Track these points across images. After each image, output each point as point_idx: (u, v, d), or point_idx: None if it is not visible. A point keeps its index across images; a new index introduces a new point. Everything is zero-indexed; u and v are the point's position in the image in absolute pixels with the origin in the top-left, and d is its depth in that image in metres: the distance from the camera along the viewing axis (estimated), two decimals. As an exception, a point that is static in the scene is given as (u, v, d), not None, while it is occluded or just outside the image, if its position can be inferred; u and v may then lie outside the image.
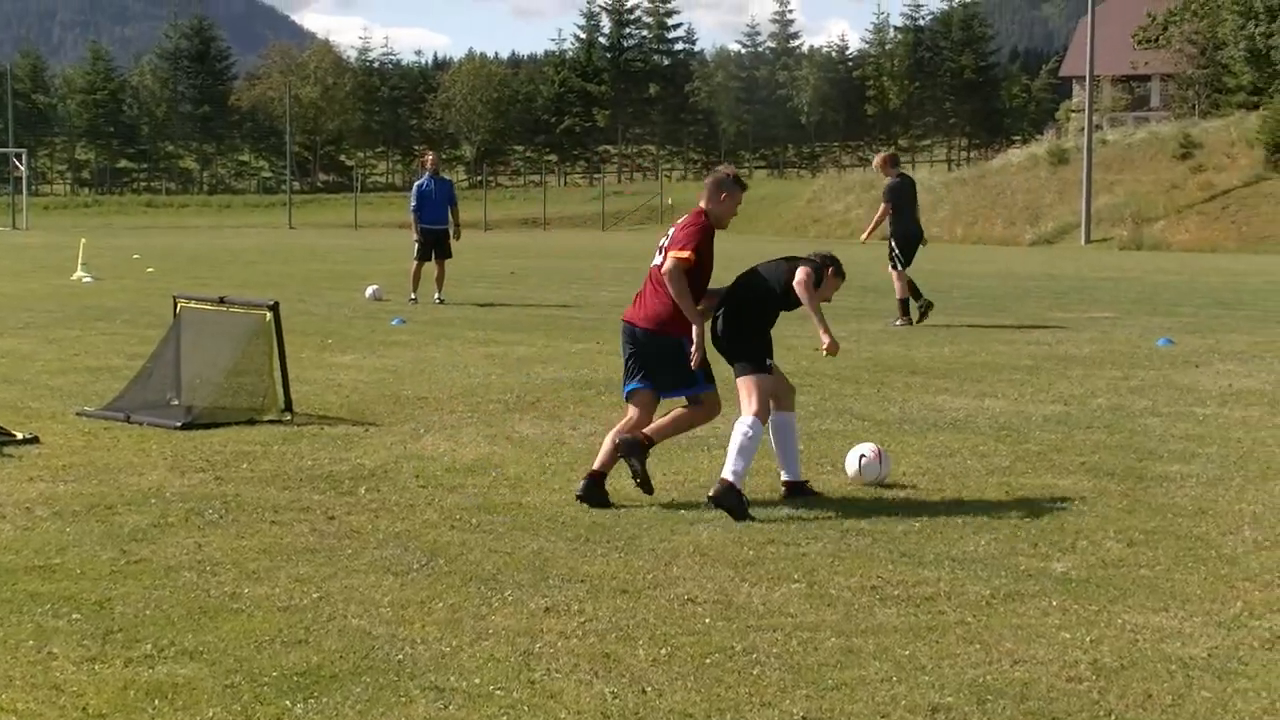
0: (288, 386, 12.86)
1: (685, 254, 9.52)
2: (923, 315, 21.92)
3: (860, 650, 6.46)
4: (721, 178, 10.04)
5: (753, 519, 8.97)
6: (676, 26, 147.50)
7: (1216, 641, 6.66)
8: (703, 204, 9.92)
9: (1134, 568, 7.94)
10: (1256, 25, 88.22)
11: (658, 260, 9.72)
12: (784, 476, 9.91)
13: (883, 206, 22.87)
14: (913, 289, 22.28)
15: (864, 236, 25.91)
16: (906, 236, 22.70)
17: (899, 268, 22.42)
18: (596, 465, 9.61)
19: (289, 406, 12.78)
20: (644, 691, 5.94)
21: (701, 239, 9.65)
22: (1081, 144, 66.48)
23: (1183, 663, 6.34)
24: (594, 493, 9.47)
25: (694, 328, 9.53)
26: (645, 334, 9.68)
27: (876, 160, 24.30)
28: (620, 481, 9.81)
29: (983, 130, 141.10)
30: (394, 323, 21.90)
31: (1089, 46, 65.86)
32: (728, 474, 9.20)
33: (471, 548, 8.27)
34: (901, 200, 22.70)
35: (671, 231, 9.80)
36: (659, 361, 9.67)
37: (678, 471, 10.59)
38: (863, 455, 10.26)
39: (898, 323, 22.17)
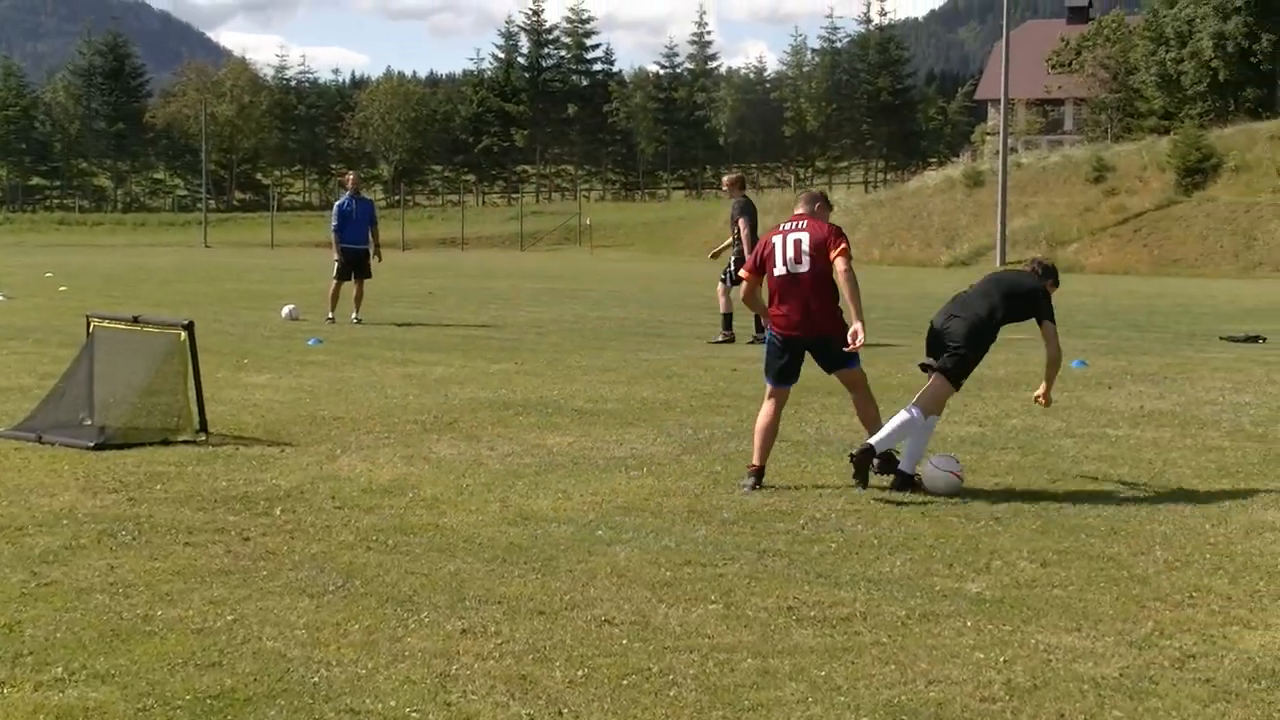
0: (203, 407, 12.77)
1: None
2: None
3: (777, 671, 6.47)
4: (821, 196, 11.55)
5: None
6: (595, 47, 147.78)
7: (1128, 661, 6.72)
8: (818, 217, 11.14)
9: (1047, 588, 8.00)
10: (1167, 51, 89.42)
11: (804, 268, 10.81)
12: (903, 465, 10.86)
13: (743, 223, 22.99)
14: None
15: (713, 252, 26.20)
16: (743, 257, 22.92)
17: (728, 284, 22.94)
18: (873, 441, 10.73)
19: (204, 427, 12.68)
20: (560, 713, 5.93)
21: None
22: (996, 167, 66.94)
23: (1095, 682, 6.39)
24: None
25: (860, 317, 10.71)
26: (836, 338, 10.86)
27: (726, 180, 24.82)
28: (539, 502, 9.81)
29: (899, 152, 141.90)
30: (311, 343, 21.79)
31: (1004, 70, 66.35)
32: (906, 464, 10.77)
33: (388, 569, 8.24)
34: (751, 221, 23.11)
35: (796, 240, 10.91)
36: (840, 353, 10.94)
37: (595, 492, 10.58)
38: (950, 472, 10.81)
39: (719, 338, 22.95)
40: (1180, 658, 6.79)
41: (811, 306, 10.87)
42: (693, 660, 6.62)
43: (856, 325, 10.64)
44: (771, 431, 11.03)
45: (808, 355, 11.21)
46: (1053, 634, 7.11)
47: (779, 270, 10.89)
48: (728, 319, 22.94)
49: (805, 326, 10.92)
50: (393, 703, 6.03)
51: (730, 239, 23.35)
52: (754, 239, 22.67)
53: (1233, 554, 8.88)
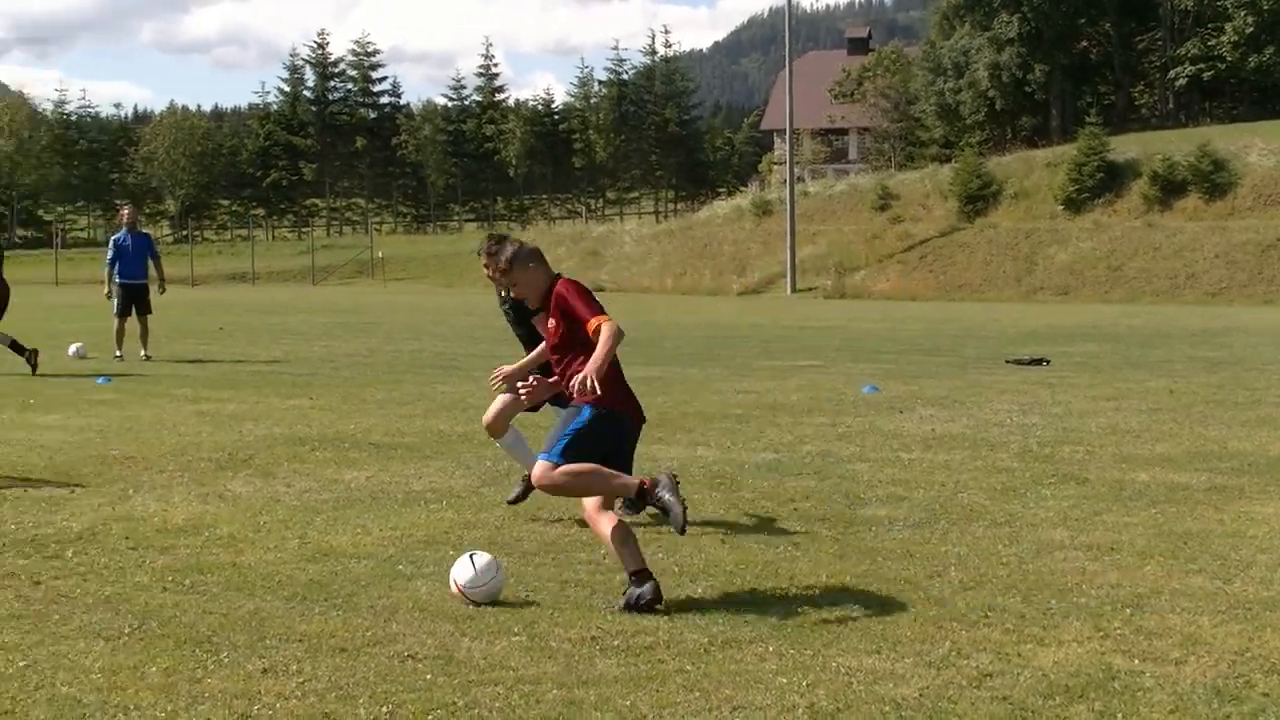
0: (-11, 448, 12.48)
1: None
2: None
3: (582, 701, 6.45)
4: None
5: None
6: (382, 80, 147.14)
7: (927, 681, 6.79)
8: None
9: (847, 611, 8.07)
10: (945, 81, 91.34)
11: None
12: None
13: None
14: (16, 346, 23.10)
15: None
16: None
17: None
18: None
19: (-10, 469, 12.39)
20: (366, 751, 5.86)
21: None
22: (784, 196, 67.81)
23: (895, 703, 6.45)
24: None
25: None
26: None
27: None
28: (338, 538, 9.72)
29: (688, 182, 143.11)
30: (99, 381, 21.38)
31: (788, 100, 67.26)
32: None
33: (185, 609, 8.08)
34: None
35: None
36: None
37: (394, 527, 10.50)
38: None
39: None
40: (977, 676, 6.88)
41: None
42: (498, 693, 6.57)
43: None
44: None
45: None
46: (853, 657, 7.17)
47: None
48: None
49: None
50: (194, 746, 5.92)
51: None
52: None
53: (1025, 573, 9.04)
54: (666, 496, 8.18)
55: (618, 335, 8.39)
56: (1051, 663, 7.13)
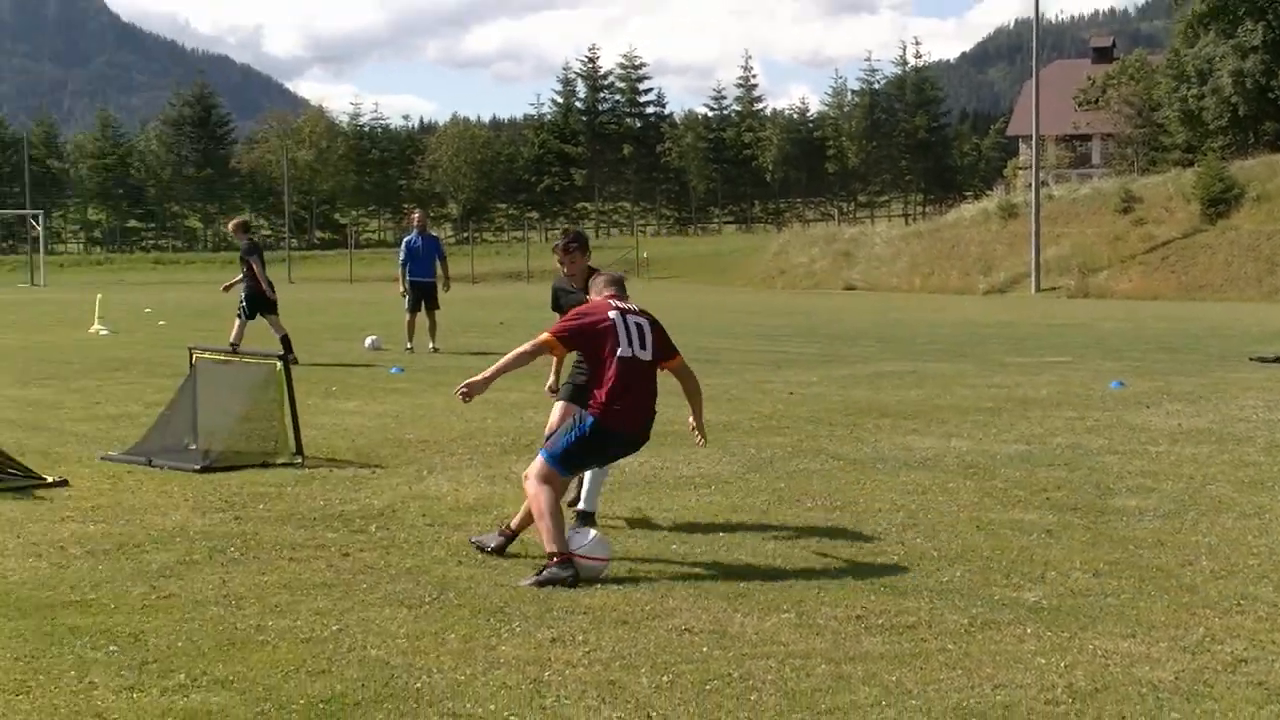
0: (299, 432, 12.83)
1: None
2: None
3: (850, 676, 6.44)
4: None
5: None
6: (648, 91, 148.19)
7: (1183, 665, 6.65)
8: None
9: (1101, 596, 7.94)
10: (1189, 88, 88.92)
11: (648, 356, 8.93)
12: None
13: (252, 264, 23.44)
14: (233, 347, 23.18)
15: (225, 287, 25.90)
16: (254, 294, 23.58)
17: (243, 319, 23.45)
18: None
19: (300, 450, 12.74)
20: (649, 717, 5.91)
21: None
22: (1029, 199, 66.64)
23: (1152, 686, 6.34)
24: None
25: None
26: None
27: (230, 225, 25.51)
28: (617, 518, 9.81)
29: (936, 186, 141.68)
30: (393, 371, 21.87)
31: (1034, 108, 66.16)
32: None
33: (479, 582, 8.25)
34: (259, 261, 23.62)
35: (638, 324, 8.99)
36: None
37: (667, 509, 10.61)
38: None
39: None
40: (1232, 662, 6.72)
41: (651, 402, 9.05)
42: (770, 666, 6.59)
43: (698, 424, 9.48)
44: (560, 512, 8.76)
45: None
46: (1109, 640, 7.06)
47: (624, 352, 8.82)
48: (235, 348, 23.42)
49: (646, 422, 9.02)
50: (492, 707, 6.02)
51: (240, 275, 23.82)
52: (251, 278, 23.40)
53: (1276, 563, 8.79)
54: (552, 574, 8.23)
55: (520, 355, 9.00)
56: (1306, 651, 6.94)
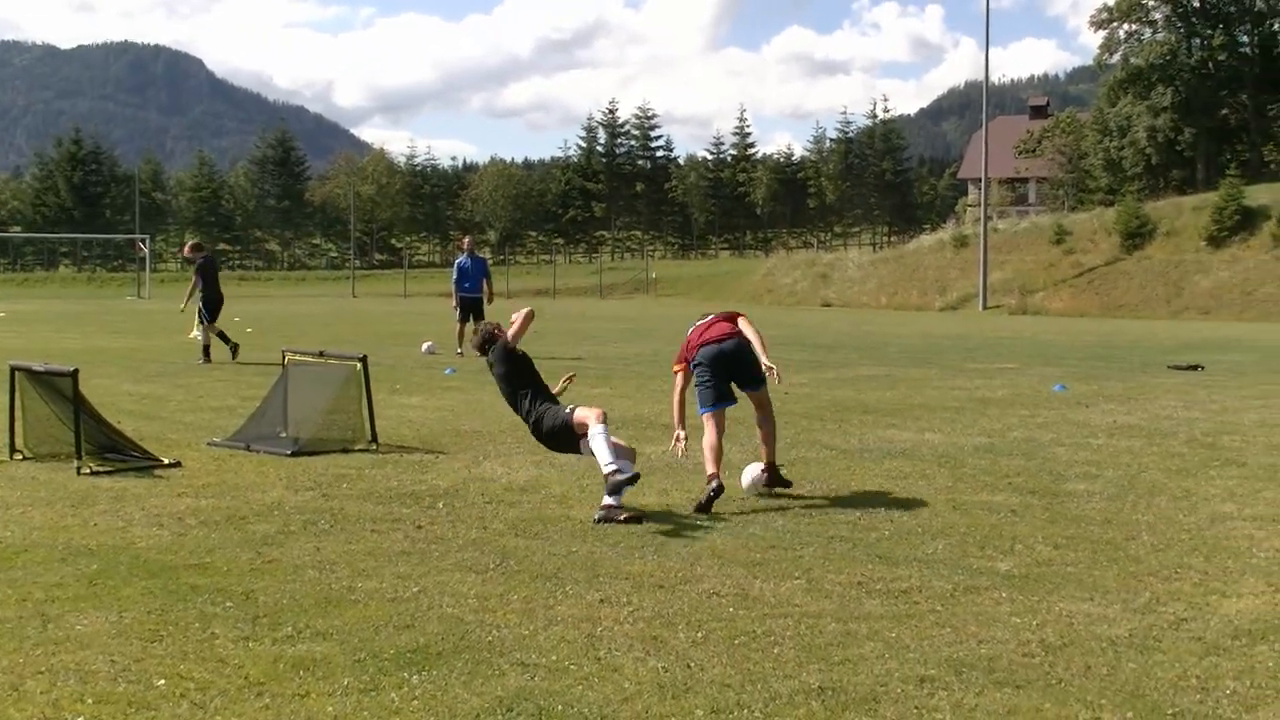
0: (374, 422, 12.78)
1: None
2: (234, 354, 23.76)
3: (856, 633, 6.38)
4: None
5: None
6: (658, 138, 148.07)
7: (1134, 624, 6.60)
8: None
9: (1061, 566, 7.87)
10: (1111, 141, 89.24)
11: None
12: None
13: (195, 279, 24.24)
14: (222, 336, 24.05)
15: (183, 305, 26.02)
16: (212, 300, 24.10)
17: (205, 323, 23.80)
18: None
19: (375, 438, 12.69)
20: (689, 666, 5.85)
21: None
22: (978, 231, 66.57)
23: (1111, 641, 6.28)
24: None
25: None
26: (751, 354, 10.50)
27: (186, 248, 25.64)
28: (645, 499, 9.74)
29: (900, 220, 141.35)
30: (447, 372, 21.80)
31: (984, 155, 66.13)
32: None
33: (534, 551, 8.19)
34: (209, 275, 24.22)
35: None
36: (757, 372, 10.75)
37: (688, 490, 10.54)
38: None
39: (199, 362, 23.38)
40: (1175, 621, 6.67)
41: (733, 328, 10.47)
42: (788, 624, 6.53)
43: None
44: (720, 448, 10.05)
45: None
46: (1071, 603, 6.99)
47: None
48: (207, 350, 23.83)
49: (729, 335, 10.47)
50: (554, 657, 5.97)
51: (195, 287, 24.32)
52: (210, 288, 24.08)
53: (1204, 538, 8.74)
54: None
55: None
56: (1235, 611, 6.89)
